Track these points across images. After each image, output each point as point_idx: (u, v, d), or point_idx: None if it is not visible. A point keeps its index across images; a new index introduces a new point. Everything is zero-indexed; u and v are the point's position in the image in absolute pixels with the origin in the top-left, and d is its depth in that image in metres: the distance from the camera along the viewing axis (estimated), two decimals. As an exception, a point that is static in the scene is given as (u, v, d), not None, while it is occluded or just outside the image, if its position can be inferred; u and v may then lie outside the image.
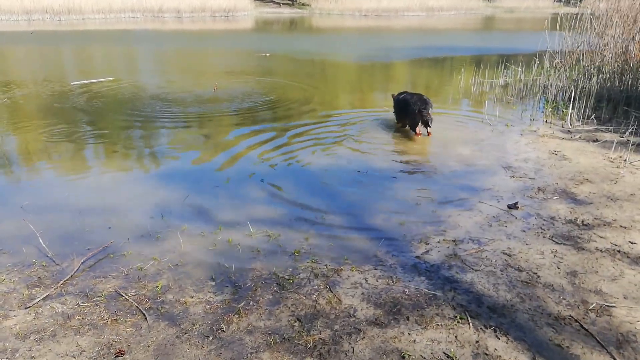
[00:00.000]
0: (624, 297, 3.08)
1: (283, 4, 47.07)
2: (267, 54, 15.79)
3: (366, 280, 3.29)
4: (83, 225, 4.12)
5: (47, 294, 3.13)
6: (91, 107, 8.60)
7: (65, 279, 3.29)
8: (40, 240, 3.70)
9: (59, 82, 10.85)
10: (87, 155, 6.06)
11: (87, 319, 2.90)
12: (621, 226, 4.02)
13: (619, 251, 3.63)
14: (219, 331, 2.79)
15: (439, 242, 3.81)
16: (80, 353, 2.62)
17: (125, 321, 2.88)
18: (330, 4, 43.08)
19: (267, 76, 12.10)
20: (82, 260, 3.51)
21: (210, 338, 2.73)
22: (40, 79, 11.37)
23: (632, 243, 3.74)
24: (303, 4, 46.15)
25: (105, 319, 2.90)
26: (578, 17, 9.25)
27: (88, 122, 7.71)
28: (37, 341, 2.71)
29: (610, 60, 8.30)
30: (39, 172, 5.53)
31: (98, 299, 3.09)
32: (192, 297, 3.11)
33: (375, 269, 3.43)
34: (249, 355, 2.60)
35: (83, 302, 3.05)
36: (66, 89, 10.15)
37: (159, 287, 3.21)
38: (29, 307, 3.01)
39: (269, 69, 13.41)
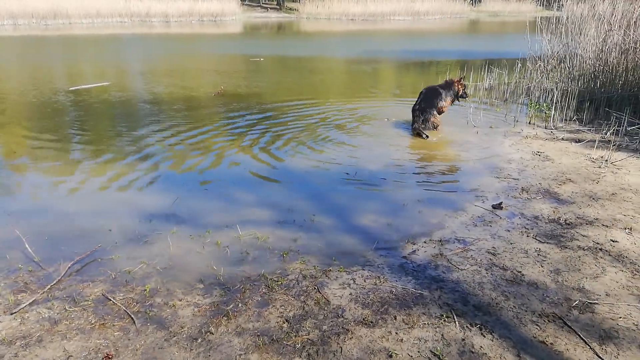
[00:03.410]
0: (606, 294, 3.14)
1: (271, 8, 47.17)
2: (261, 59, 15.95)
3: (354, 281, 3.32)
4: (70, 229, 4.09)
5: (34, 299, 3.11)
6: (82, 112, 8.57)
7: (52, 284, 3.27)
8: (27, 245, 3.67)
9: (50, 87, 10.78)
10: (75, 160, 6.00)
11: (74, 323, 2.89)
12: (603, 225, 4.10)
13: (601, 249, 3.70)
14: (208, 333, 2.79)
15: (425, 242, 3.86)
16: (68, 358, 2.60)
17: (113, 325, 2.87)
18: (317, 9, 43.26)
19: (261, 80, 12.16)
20: (69, 265, 3.49)
21: (199, 341, 2.74)
22: (32, 82, 11.27)
23: (613, 241, 3.82)
24: (291, 9, 46.30)
25: (92, 324, 2.89)
26: (560, 21, 9.42)
27: (77, 126, 7.67)
28: (23, 347, 2.69)
29: (590, 63, 8.45)
30: (26, 176, 5.48)
31: (85, 303, 3.08)
32: (180, 300, 3.11)
33: (363, 270, 3.46)
34: (237, 357, 2.61)
35: (70, 307, 3.04)
36: (58, 93, 10.09)
37: (147, 290, 3.21)
38: (15, 312, 2.98)
39: (263, 72, 13.50)
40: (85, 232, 4.03)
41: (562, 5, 9.65)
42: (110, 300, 3.11)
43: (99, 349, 2.68)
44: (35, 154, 6.20)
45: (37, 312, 2.99)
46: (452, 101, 7.39)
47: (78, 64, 15.53)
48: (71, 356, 2.62)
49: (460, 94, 7.29)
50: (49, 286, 3.25)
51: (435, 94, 7.15)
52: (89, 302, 3.09)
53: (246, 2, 46.31)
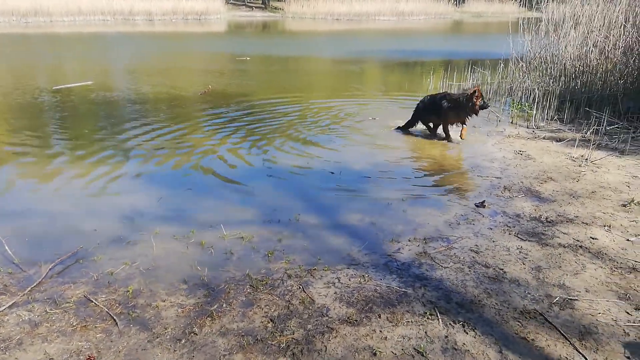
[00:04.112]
0: (586, 291, 3.20)
1: (256, 7, 46.97)
2: (247, 58, 15.97)
3: (339, 280, 3.33)
4: (51, 230, 4.03)
5: (14, 301, 3.06)
6: (65, 111, 8.45)
7: (32, 286, 3.21)
8: (6, 247, 3.61)
9: (33, 86, 10.60)
10: (56, 160, 5.90)
11: (55, 326, 2.85)
12: (583, 222, 4.18)
13: (580, 246, 3.77)
14: (192, 334, 2.78)
15: (409, 240, 3.88)
16: (49, 360, 2.57)
17: (95, 327, 2.84)
18: (302, 8, 43.20)
19: (248, 79, 12.13)
20: (50, 267, 3.44)
21: (183, 341, 2.72)
22: (14, 82, 11.07)
23: (593, 238, 3.89)
24: (276, 8, 46.16)
25: (74, 326, 2.85)
26: (541, 22, 9.55)
27: (59, 126, 7.57)
28: (2, 350, 2.64)
29: (570, 63, 8.60)
30: (5, 177, 5.37)
31: (67, 305, 3.04)
32: (164, 301, 3.09)
33: (348, 269, 3.47)
34: (222, 357, 2.60)
35: (51, 309, 2.99)
36: (41, 93, 9.92)
37: (130, 291, 3.18)
38: (-6, 315, 2.93)
39: (250, 71, 13.47)
40: (66, 233, 3.97)
41: (544, 6, 9.76)
42: (92, 302, 3.07)
43: (80, 351, 2.64)
44: (16, 154, 6.09)
45: (17, 315, 2.94)
46: (458, 117, 6.55)
47: (61, 63, 15.28)
48: (52, 359, 2.58)
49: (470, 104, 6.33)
50: (29, 288, 3.19)
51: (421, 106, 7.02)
52: (71, 304, 3.04)
53: (231, 1, 46.05)
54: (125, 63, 15.60)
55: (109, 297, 3.13)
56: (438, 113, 6.70)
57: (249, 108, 8.71)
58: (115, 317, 2.91)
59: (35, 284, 3.24)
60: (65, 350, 2.64)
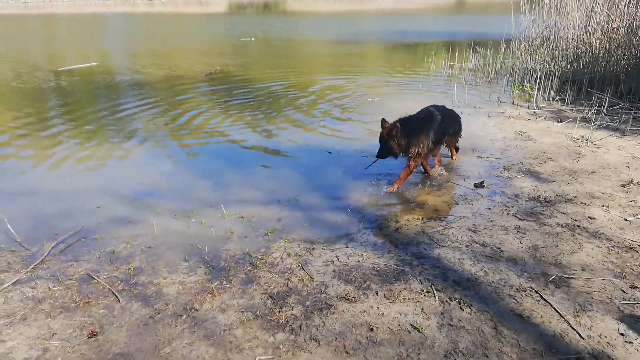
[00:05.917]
0: (582, 269, 3.23)
1: (255, -14, 46.24)
2: (252, 39, 16.00)
3: (337, 258, 3.36)
4: (54, 210, 4.07)
5: (17, 278, 3.10)
6: (68, 92, 8.44)
7: (35, 264, 3.26)
8: (9, 226, 3.64)
9: (38, 68, 10.57)
10: (58, 140, 5.92)
11: (58, 302, 2.90)
12: (581, 202, 4.19)
13: (578, 226, 3.79)
14: (192, 310, 2.82)
15: (408, 220, 3.91)
16: (52, 335, 2.62)
17: (98, 303, 2.89)
18: (303, -13, 42.58)
19: (253, 60, 12.08)
20: (53, 245, 3.48)
21: (184, 317, 2.77)
22: (20, 63, 11.00)
23: (591, 218, 3.91)
24: (276, -13, 45.43)
25: (77, 302, 2.90)
26: (545, 1, 9.42)
27: (60, 107, 7.58)
28: (7, 325, 2.70)
29: (573, 44, 8.51)
30: (7, 157, 5.39)
31: (69, 282, 3.08)
32: (165, 279, 3.13)
33: (347, 247, 3.51)
34: (222, 332, 2.65)
35: (54, 286, 3.04)
36: (46, 74, 9.89)
37: (132, 269, 3.22)
38: (-2, 292, 2.98)
39: (254, 53, 13.40)
40: (68, 213, 4.01)
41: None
42: (95, 279, 3.11)
43: (83, 326, 2.69)
44: (16, 135, 6.10)
45: (21, 292, 2.99)
46: None
47: (63, 44, 15.17)
48: (55, 333, 2.63)
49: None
50: (32, 266, 3.24)
51: None
52: (73, 281, 3.09)
53: (231, -19, 45.34)
54: (128, 44, 15.49)
55: (111, 274, 3.17)
56: None
57: (252, 90, 8.69)
58: (117, 294, 2.96)
59: (38, 262, 3.28)
60: (68, 325, 2.69)
